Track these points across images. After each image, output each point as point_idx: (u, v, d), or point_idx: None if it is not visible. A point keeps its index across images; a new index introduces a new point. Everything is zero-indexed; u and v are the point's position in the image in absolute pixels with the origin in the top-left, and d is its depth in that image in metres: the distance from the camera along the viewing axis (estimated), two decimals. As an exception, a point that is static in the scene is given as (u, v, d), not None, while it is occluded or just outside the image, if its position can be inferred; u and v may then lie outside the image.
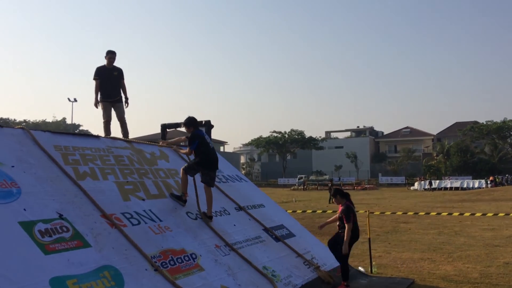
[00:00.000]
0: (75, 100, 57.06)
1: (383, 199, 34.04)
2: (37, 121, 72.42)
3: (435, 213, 10.44)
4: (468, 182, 51.36)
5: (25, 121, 70.02)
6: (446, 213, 11.11)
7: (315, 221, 15.46)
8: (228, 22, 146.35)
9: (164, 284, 4.78)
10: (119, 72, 8.35)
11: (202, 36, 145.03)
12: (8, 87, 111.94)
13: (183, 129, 7.24)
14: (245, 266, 6.08)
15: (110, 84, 8.17)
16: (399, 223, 16.72)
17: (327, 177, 66.16)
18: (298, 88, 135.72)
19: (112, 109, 8.30)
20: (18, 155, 5.40)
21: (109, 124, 8.23)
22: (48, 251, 4.25)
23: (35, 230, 4.40)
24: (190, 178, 6.77)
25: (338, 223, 7.30)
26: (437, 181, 53.53)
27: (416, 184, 53.21)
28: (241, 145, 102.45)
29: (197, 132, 6.74)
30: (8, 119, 66.29)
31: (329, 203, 27.44)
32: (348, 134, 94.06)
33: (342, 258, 7.13)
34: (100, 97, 8.20)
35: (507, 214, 10.94)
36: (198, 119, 7.30)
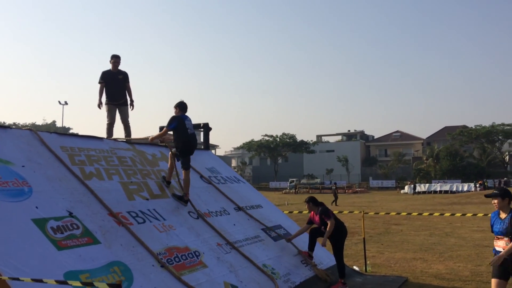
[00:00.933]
0: (66, 103, 56.94)
1: (374, 202, 34.41)
2: (27, 123, 71.99)
3: (427, 214, 10.72)
4: (458, 186, 52.04)
5: (14, 123, 69.60)
6: (438, 214, 11.40)
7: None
8: (219, 25, 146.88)
9: (170, 280, 4.98)
10: (124, 75, 8.55)
11: (194, 39, 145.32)
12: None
13: None
14: (246, 264, 6.29)
15: (115, 88, 8.36)
16: (391, 225, 17.02)
17: (318, 180, 66.56)
18: (290, 92, 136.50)
19: (117, 112, 8.48)
20: (27, 155, 5.57)
21: (113, 126, 8.41)
22: (61, 247, 4.44)
23: (47, 227, 4.58)
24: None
25: (322, 227, 7.35)
26: (422, 185, 54.21)
27: (406, 187, 53.83)
28: (233, 149, 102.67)
29: (179, 116, 6.94)
30: (-3, 121, 65.81)
31: (332, 205, 28.99)
32: (339, 138, 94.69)
33: (338, 256, 7.32)
34: (105, 100, 8.38)
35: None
36: (194, 122, 7.57)
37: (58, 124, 69.67)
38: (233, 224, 7.27)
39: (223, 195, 8.08)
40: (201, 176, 8.27)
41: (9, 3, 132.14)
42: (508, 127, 66.39)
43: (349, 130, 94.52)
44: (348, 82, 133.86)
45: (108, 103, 8.38)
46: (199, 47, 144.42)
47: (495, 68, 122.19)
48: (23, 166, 5.30)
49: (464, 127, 72.69)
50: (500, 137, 67.79)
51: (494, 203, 5.26)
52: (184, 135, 6.81)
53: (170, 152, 7.15)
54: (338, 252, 7.31)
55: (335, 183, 45.19)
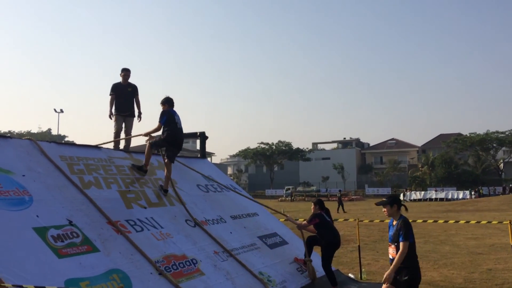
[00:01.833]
0: (62, 111, 56.91)
1: (370, 209, 34.50)
2: (22, 131, 71.87)
3: (421, 221, 10.87)
4: (453, 193, 52.31)
5: (9, 131, 69.47)
6: (432, 221, 11.54)
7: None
8: (215, 33, 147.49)
9: (168, 287, 5.06)
10: (133, 88, 8.87)
11: (190, 47, 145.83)
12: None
13: None
14: (243, 271, 6.38)
15: (123, 99, 8.67)
16: (386, 232, 17.09)
17: (314, 188, 66.68)
18: (286, 100, 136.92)
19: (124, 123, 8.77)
20: (27, 165, 5.67)
21: (119, 135, 8.72)
22: (61, 255, 4.53)
23: (48, 235, 4.67)
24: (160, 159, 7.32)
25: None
26: (418, 193, 54.47)
27: (401, 195, 54.06)
28: (229, 156, 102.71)
29: (168, 110, 7.39)
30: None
31: (338, 212, 31.03)
32: (334, 145, 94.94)
33: (324, 265, 7.27)
34: (114, 111, 8.69)
35: (489, 222, 11.39)
36: (188, 131, 7.83)
37: (54, 132, 69.66)
38: (230, 232, 7.36)
39: (219, 203, 8.18)
40: (198, 185, 8.38)
41: (5, 11, 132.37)
42: (502, 135, 66.86)
43: (344, 138, 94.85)
44: (343, 90, 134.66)
45: (116, 114, 8.69)
46: (195, 55, 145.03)
47: (490, 76, 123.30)
48: (23, 175, 5.40)
49: (459, 134, 73.12)
50: (494, 145, 68.19)
51: (384, 211, 5.31)
52: (172, 128, 7.23)
53: (166, 160, 7.28)
54: (326, 260, 7.26)
55: (340, 191, 45.88)
